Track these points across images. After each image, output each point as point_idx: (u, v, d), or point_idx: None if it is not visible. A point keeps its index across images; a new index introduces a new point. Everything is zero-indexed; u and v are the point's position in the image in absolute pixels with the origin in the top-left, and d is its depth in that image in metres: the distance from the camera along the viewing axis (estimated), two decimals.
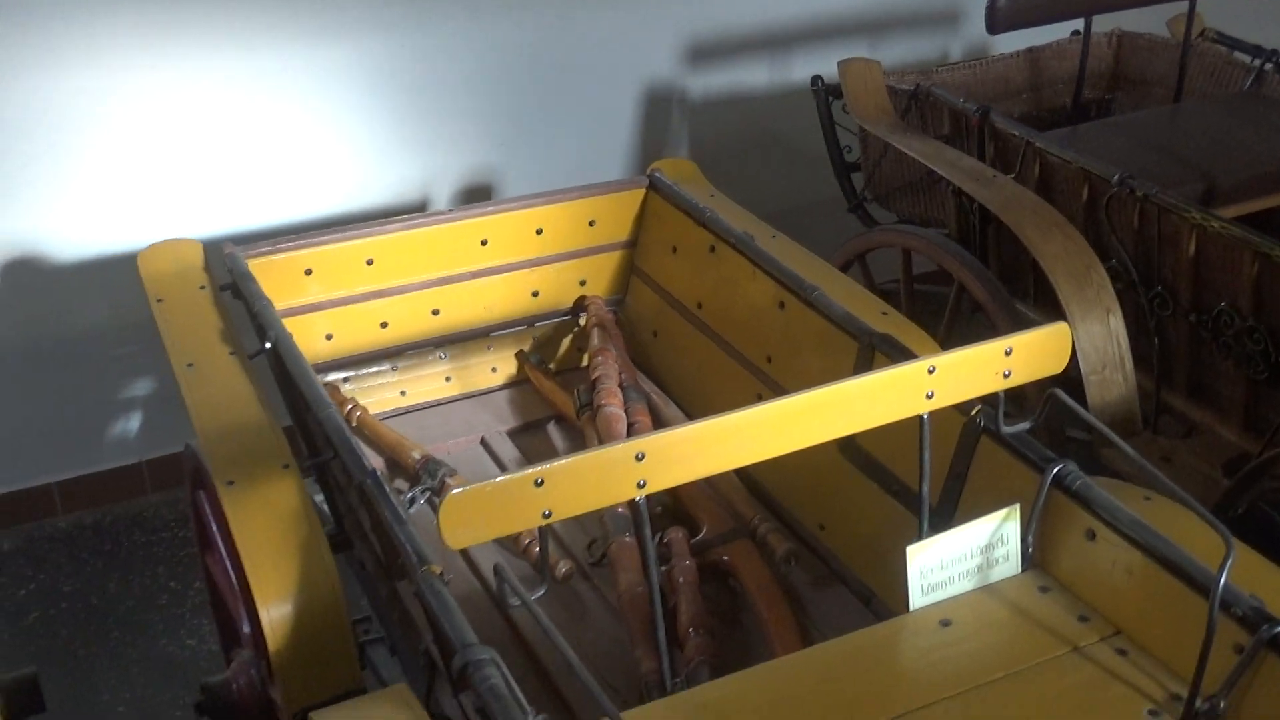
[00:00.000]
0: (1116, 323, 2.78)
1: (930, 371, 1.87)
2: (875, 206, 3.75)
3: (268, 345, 2.37)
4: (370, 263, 2.78)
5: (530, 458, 2.74)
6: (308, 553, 2.06)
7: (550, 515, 1.65)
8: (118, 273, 3.63)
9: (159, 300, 2.61)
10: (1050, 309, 2.92)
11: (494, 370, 2.98)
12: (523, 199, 2.89)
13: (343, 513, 2.55)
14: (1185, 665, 1.77)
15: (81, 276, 3.62)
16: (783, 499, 2.56)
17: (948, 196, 3.35)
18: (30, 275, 3.56)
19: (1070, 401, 1.95)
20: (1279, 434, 2.53)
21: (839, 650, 1.90)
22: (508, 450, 2.76)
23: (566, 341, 3.06)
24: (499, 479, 1.61)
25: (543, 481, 1.63)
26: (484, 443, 2.80)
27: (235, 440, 2.23)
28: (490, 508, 1.61)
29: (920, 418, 1.91)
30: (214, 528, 2.73)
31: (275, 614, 2.04)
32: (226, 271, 2.64)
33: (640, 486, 1.70)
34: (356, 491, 2.08)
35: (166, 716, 3.23)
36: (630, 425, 2.65)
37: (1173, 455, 2.78)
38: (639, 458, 1.68)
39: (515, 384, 3.00)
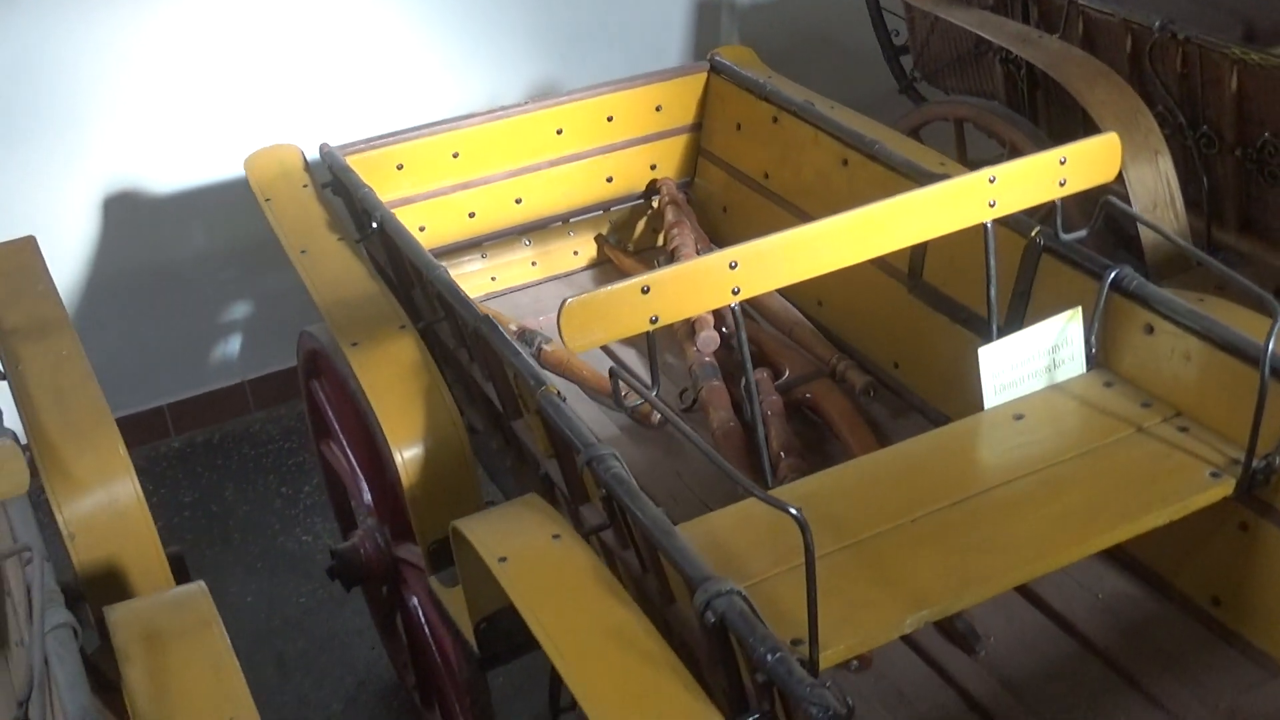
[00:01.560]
0: (1165, 164, 2.91)
1: (991, 181, 2.03)
2: (925, 86, 3.89)
3: (374, 225, 2.57)
4: (456, 156, 2.97)
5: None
6: (431, 398, 2.27)
7: (656, 320, 1.84)
8: (210, 201, 3.86)
9: (267, 200, 2.81)
10: None
11: (575, 253, 3.17)
12: (593, 88, 3.07)
13: (451, 384, 2.75)
14: (1242, 434, 1.94)
15: (177, 207, 3.84)
16: (856, 343, 2.73)
17: (995, 66, 3.48)
18: (128, 210, 3.77)
19: (1123, 205, 2.11)
20: None
21: (923, 443, 2.08)
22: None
23: (641, 223, 3.24)
24: (610, 287, 1.81)
25: (649, 289, 1.82)
26: None
27: (354, 308, 2.44)
28: (603, 313, 1.80)
29: (985, 227, 2.08)
30: (330, 412, 2.96)
31: (407, 455, 2.24)
32: (326, 170, 2.84)
33: (735, 293, 1.88)
34: (471, 339, 2.27)
35: (290, 603, 3.48)
36: None
37: (1225, 285, 2.91)
38: (732, 266, 1.86)
39: (596, 265, 3.19)
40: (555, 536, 1.87)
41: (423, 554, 2.34)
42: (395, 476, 2.54)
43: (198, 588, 1.93)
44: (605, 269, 3.17)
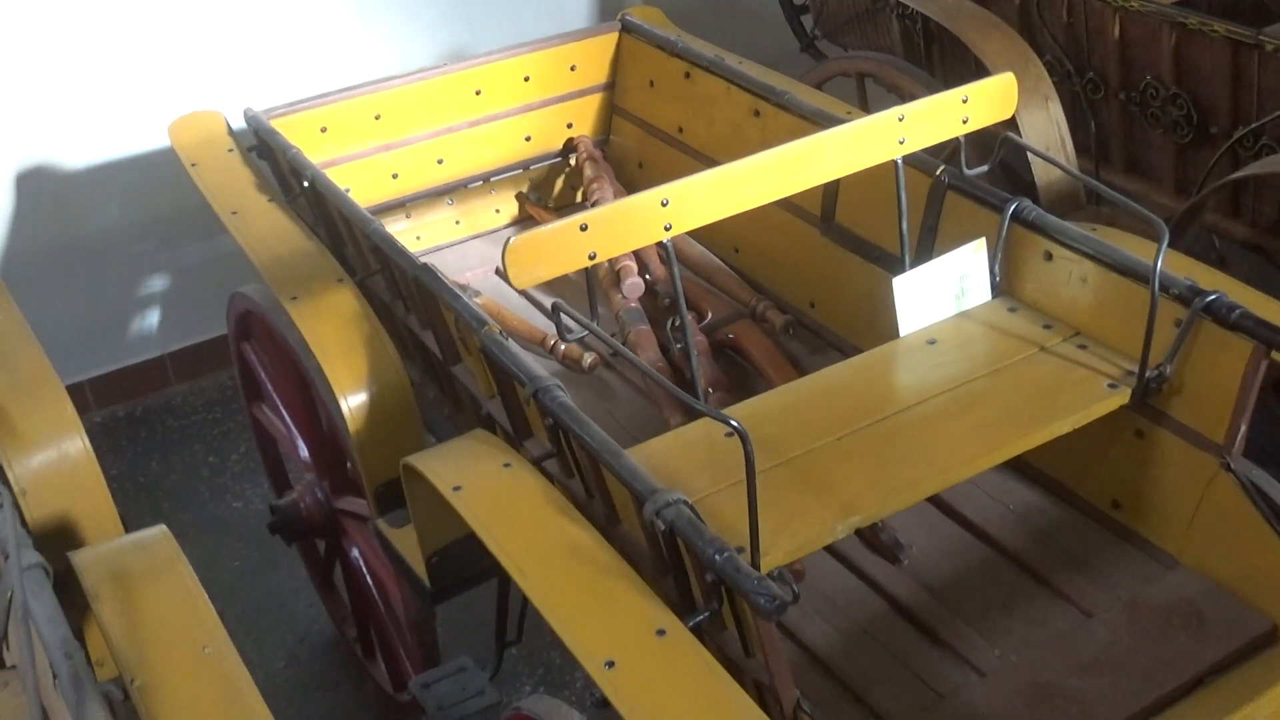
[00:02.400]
0: (1055, 109, 3.09)
1: (900, 119, 2.17)
2: (825, 45, 4.03)
3: (305, 184, 2.63)
4: (378, 118, 3.04)
5: (544, 285, 3.02)
6: (373, 346, 2.35)
7: (594, 257, 1.94)
8: (125, 174, 3.86)
9: (193, 165, 2.85)
10: None
11: (497, 211, 3.26)
12: (509, 49, 3.15)
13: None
14: (1136, 349, 2.10)
15: (91, 180, 3.83)
16: (773, 286, 2.86)
17: (892, 22, 3.64)
18: (42, 182, 3.76)
19: (1021, 140, 2.26)
20: (1207, 180, 2.85)
21: (845, 369, 2.21)
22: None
23: (560, 181, 3.33)
24: (549, 225, 1.91)
25: (586, 227, 1.92)
26: (498, 272, 3.08)
27: (290, 264, 2.50)
28: (545, 250, 1.90)
29: (896, 164, 2.22)
30: (263, 373, 3.02)
31: (353, 402, 2.33)
32: (251, 135, 2.89)
33: (667, 229, 1.99)
34: (411, 287, 2.36)
35: (225, 568, 3.52)
36: None
37: (1114, 221, 3.10)
38: (664, 203, 1.97)
39: (518, 222, 3.28)
40: (506, 465, 1.98)
41: (369, 498, 2.42)
42: (334, 429, 2.63)
43: (160, 530, 2.00)
44: (527, 226, 3.26)
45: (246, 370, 3.13)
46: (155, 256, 4.05)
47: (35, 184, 3.76)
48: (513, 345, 2.05)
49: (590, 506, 2.01)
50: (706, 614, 1.71)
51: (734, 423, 1.65)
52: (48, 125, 3.70)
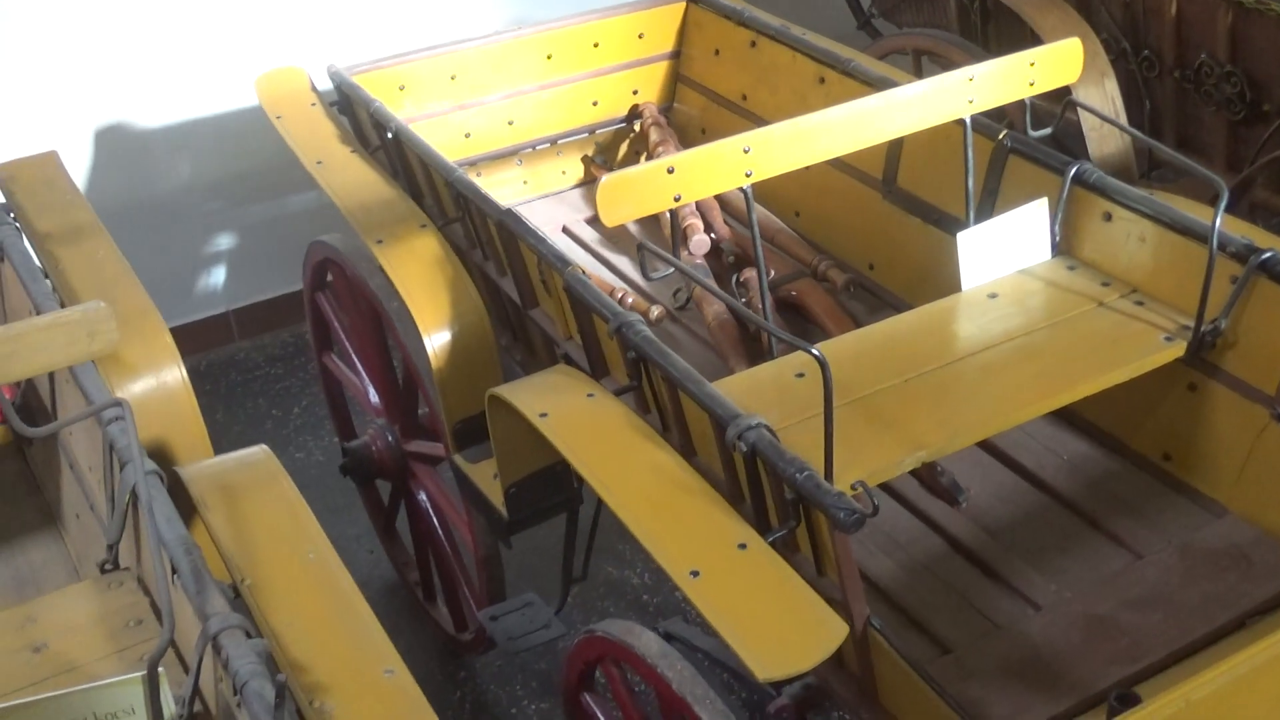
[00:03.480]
0: (1111, 85, 3.17)
1: (970, 80, 2.26)
2: (881, 23, 4.12)
3: (389, 135, 2.74)
4: (453, 78, 3.15)
5: (608, 241, 3.13)
6: (456, 287, 2.46)
7: (679, 199, 2.05)
8: (197, 134, 3.99)
9: (278, 117, 2.97)
10: None
11: (564, 173, 3.36)
12: (580, 14, 3.26)
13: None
14: (1191, 305, 2.19)
15: (164, 140, 3.96)
16: (833, 249, 2.95)
17: (949, 0, 3.72)
18: (118, 141, 3.89)
19: (1085, 104, 2.35)
20: (1259, 156, 2.94)
21: (909, 319, 2.31)
22: (588, 233, 3.15)
23: (625, 145, 3.44)
24: (639, 166, 2.02)
25: (673, 170, 2.02)
26: (565, 230, 3.18)
27: (375, 210, 2.61)
28: (634, 190, 2.01)
29: (964, 122, 2.31)
30: (337, 322, 3.14)
31: (437, 340, 2.43)
32: (334, 91, 3.00)
33: (748, 175, 2.09)
34: (496, 229, 2.46)
35: None
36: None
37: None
38: (746, 150, 2.08)
39: (583, 184, 3.38)
40: (589, 395, 2.08)
41: (448, 434, 2.53)
42: (410, 372, 2.74)
43: (261, 449, 2.11)
44: (591, 188, 3.36)
45: (319, 319, 3.25)
46: (223, 215, 4.17)
47: (111, 142, 3.89)
48: (594, 284, 2.16)
49: (668, 438, 2.11)
50: (784, 531, 1.80)
51: (814, 350, 1.75)
52: (123, 85, 3.82)
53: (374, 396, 3.06)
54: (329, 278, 3.09)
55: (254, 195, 4.14)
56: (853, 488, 1.73)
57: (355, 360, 3.13)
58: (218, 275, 4.26)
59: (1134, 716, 1.41)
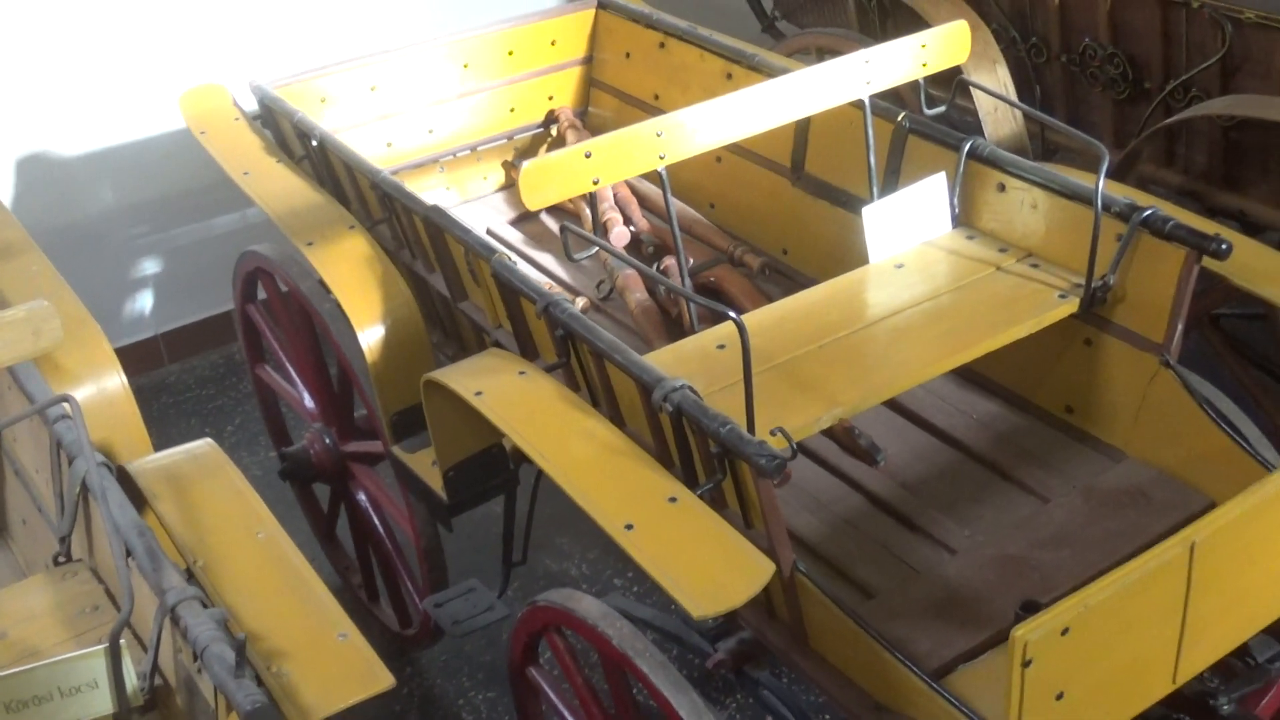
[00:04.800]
0: (1003, 71, 3.34)
1: (866, 62, 2.40)
2: (784, 25, 4.27)
3: (314, 143, 2.82)
4: (373, 89, 3.24)
5: (531, 241, 3.23)
6: (386, 283, 2.54)
7: (598, 182, 2.15)
8: (117, 159, 4.03)
9: (203, 132, 3.03)
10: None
11: (485, 178, 3.46)
12: (495, 24, 3.37)
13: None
14: (1083, 265, 2.33)
15: (87, 165, 4.00)
16: (749, 235, 3.08)
17: (847, 0, 3.88)
18: (38, 169, 3.91)
19: (974, 81, 2.50)
20: (1143, 131, 3.11)
21: (821, 290, 2.43)
22: (513, 235, 3.25)
23: (543, 149, 3.54)
24: (559, 152, 2.12)
25: (591, 154, 2.13)
26: (490, 232, 3.28)
27: (304, 214, 2.69)
28: (555, 175, 2.11)
29: (864, 102, 2.45)
30: (269, 332, 3.20)
31: (370, 335, 2.52)
32: (257, 104, 3.08)
33: (661, 158, 2.21)
34: (423, 225, 2.55)
35: None
36: (615, 195, 3.16)
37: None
38: (659, 134, 2.19)
39: (505, 188, 3.48)
40: (521, 373, 2.18)
41: (385, 427, 2.61)
42: (346, 371, 2.82)
43: (206, 442, 2.18)
44: (513, 192, 3.46)
45: (251, 331, 3.31)
46: (148, 238, 4.21)
47: (31, 170, 3.92)
48: (521, 269, 2.26)
49: (598, 411, 2.21)
50: (712, 484, 1.91)
51: (733, 314, 1.86)
52: (43, 113, 3.85)
53: (309, 402, 3.13)
54: (259, 289, 3.16)
55: (178, 217, 4.19)
56: (772, 433, 1.84)
57: (289, 368, 3.20)
58: (145, 299, 4.30)
59: (1037, 621, 1.53)
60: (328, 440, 3.06)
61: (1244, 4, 2.90)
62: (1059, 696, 1.59)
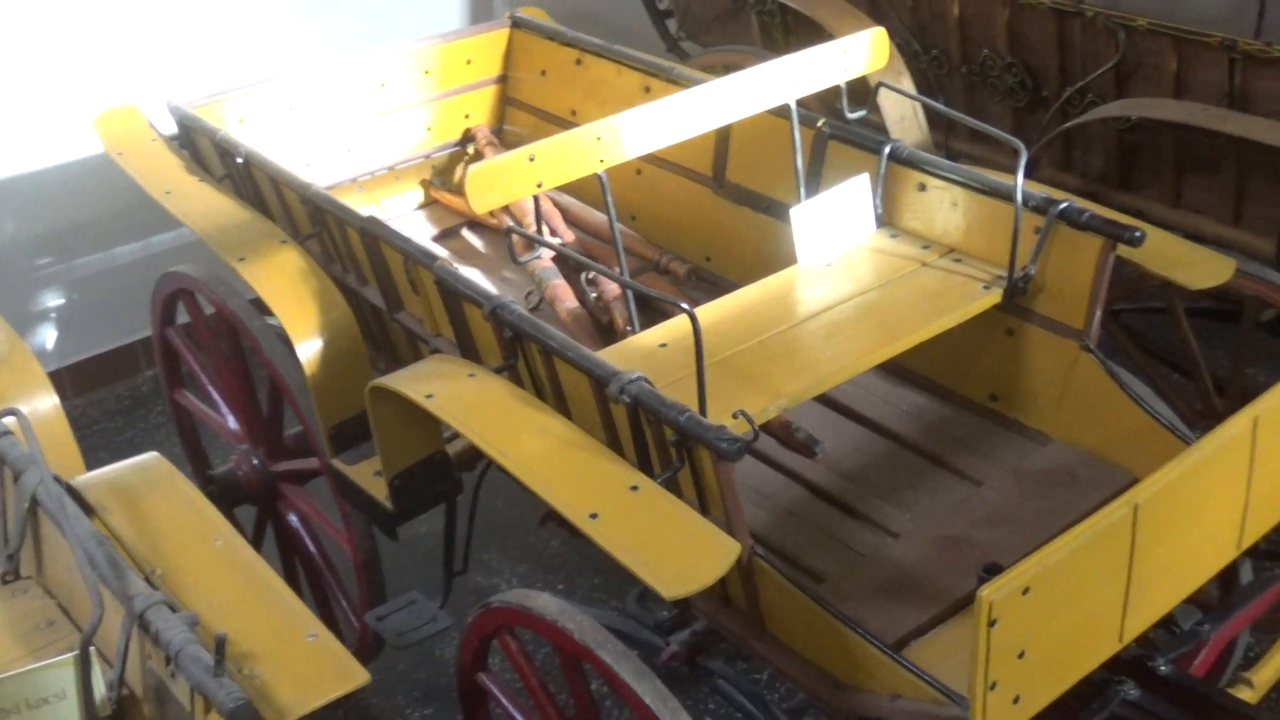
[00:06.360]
0: (907, 83, 3.46)
1: (790, 67, 2.48)
2: (689, 45, 4.36)
3: (239, 160, 2.81)
4: (291, 109, 3.23)
5: (455, 257, 3.24)
6: (322, 295, 2.54)
7: (541, 185, 2.19)
8: (19, 191, 3.95)
9: (119, 154, 3.00)
10: None
11: (404, 197, 3.47)
12: (412, 43, 3.39)
13: None
14: (1004, 258, 2.43)
15: None
16: (672, 245, 3.14)
17: (751, 18, 3.98)
18: None
19: (895, 87, 2.60)
20: (1043, 134, 3.25)
21: (754, 290, 2.50)
22: (437, 251, 3.26)
23: (460, 167, 3.56)
24: (504, 155, 2.15)
25: (534, 158, 2.17)
26: None
27: (233, 230, 2.68)
28: (499, 178, 2.14)
29: (789, 107, 2.52)
30: (190, 355, 3.17)
31: (308, 348, 2.51)
32: (176, 125, 3.06)
33: (601, 161, 2.26)
34: (359, 237, 2.56)
35: None
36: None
37: None
38: (599, 138, 2.24)
39: (424, 206, 3.50)
40: (471, 375, 2.20)
41: (324, 440, 2.60)
42: (277, 390, 2.80)
43: (153, 454, 2.16)
44: (434, 209, 3.48)
45: (169, 356, 3.26)
46: (51, 270, 4.12)
47: None
48: (464, 273, 2.28)
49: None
50: (670, 473, 1.95)
51: (683, 305, 1.91)
52: None
53: (234, 424, 3.10)
54: (179, 312, 3.12)
55: (81, 248, 4.12)
56: (734, 416, 1.89)
57: (211, 391, 3.16)
58: (46, 332, 4.21)
59: (1001, 581, 1.60)
60: (256, 461, 3.03)
61: (1136, 12, 3.06)
62: (1021, 655, 1.66)
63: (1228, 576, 2.36)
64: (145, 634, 1.67)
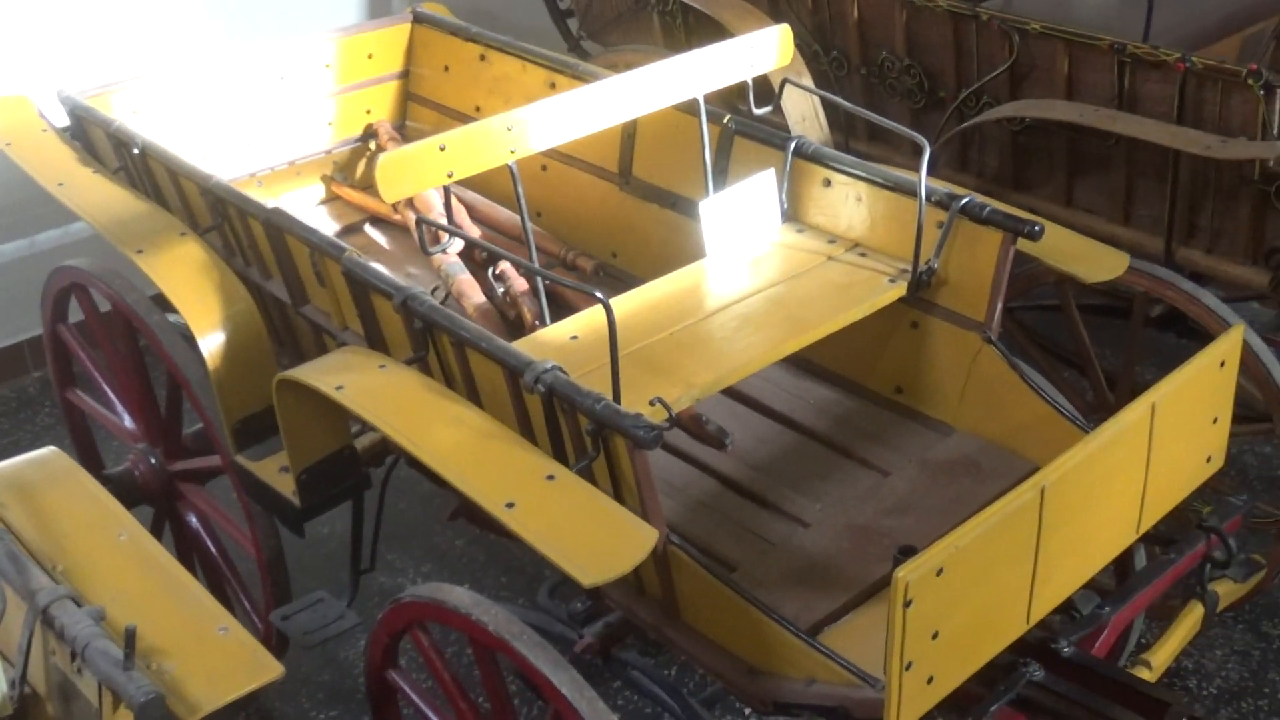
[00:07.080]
0: (807, 82, 3.50)
1: (698, 62, 2.50)
2: (590, 45, 4.37)
3: (135, 151, 2.74)
4: (187, 101, 3.17)
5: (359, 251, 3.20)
6: (224, 288, 2.49)
7: (452, 175, 2.18)
8: None
9: (8, 144, 2.91)
10: None
11: (305, 192, 3.42)
12: (310, 35, 3.34)
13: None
14: (907, 252, 2.48)
15: None
16: (578, 240, 3.13)
17: (653, 18, 4.00)
18: None
19: (802, 84, 2.63)
20: (940, 135, 3.32)
21: (663, 283, 2.51)
22: None
23: (362, 164, 3.52)
24: (414, 144, 2.13)
25: (445, 147, 2.15)
26: None
27: (131, 222, 2.62)
28: (410, 168, 2.12)
29: (697, 101, 2.54)
30: (83, 353, 3.08)
31: (212, 342, 2.46)
32: (68, 116, 2.97)
33: (512, 152, 2.25)
34: (262, 229, 2.51)
35: None
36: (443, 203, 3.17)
37: None
38: (509, 129, 2.23)
39: (326, 201, 3.45)
40: (381, 366, 2.17)
41: (228, 436, 2.54)
42: (175, 387, 2.74)
43: (51, 449, 2.10)
44: (335, 204, 3.43)
45: (61, 353, 3.17)
46: None
47: None
48: (374, 265, 2.25)
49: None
50: (586, 461, 1.95)
51: (598, 294, 1.92)
52: None
53: (130, 423, 3.02)
54: (74, 304, 3.03)
55: None
56: (651, 404, 1.90)
57: (106, 390, 3.08)
58: None
59: (916, 562, 1.62)
60: (153, 460, 2.96)
61: (1030, 16, 3.13)
62: (935, 636, 1.69)
63: (1123, 563, 2.43)
64: (49, 630, 1.62)
